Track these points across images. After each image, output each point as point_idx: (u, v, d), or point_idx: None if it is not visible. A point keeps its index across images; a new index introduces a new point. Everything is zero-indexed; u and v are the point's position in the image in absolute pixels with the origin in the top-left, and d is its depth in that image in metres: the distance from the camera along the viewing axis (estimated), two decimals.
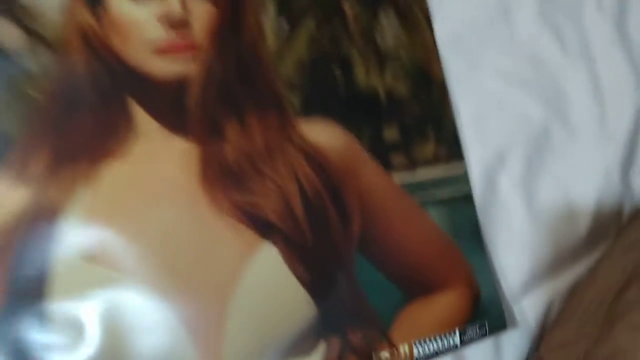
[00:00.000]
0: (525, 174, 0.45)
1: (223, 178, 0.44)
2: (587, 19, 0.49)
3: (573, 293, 0.42)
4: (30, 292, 0.41)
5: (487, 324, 0.40)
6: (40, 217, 0.42)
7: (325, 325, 0.41)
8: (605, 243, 0.44)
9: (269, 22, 0.47)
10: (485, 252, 0.43)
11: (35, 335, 0.41)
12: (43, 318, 0.41)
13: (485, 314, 0.41)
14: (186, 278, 0.42)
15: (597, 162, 0.46)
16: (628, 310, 0.36)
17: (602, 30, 0.49)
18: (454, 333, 0.40)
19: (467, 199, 0.44)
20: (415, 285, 0.42)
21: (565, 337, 0.40)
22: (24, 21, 0.46)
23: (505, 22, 0.48)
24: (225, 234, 0.42)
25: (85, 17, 0.45)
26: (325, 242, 0.43)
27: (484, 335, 0.40)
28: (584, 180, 0.45)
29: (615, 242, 0.42)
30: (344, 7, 0.48)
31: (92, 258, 0.41)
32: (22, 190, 0.42)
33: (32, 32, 0.46)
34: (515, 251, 0.44)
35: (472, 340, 0.40)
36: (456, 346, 0.39)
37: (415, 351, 0.40)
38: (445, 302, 0.42)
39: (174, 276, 0.42)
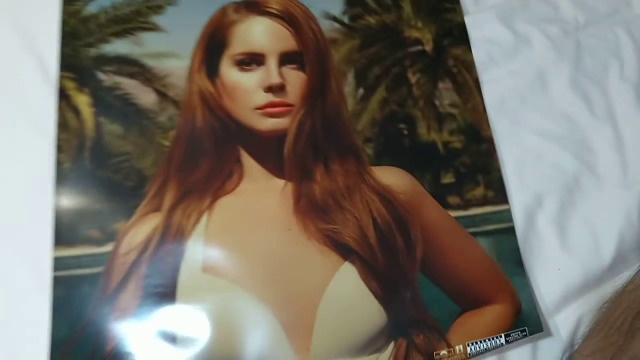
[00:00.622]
0: (559, 213, 0.55)
1: (312, 210, 0.54)
2: (612, 87, 0.59)
3: (601, 312, 0.51)
4: (160, 295, 0.52)
5: (527, 330, 0.49)
6: (170, 238, 0.54)
7: (394, 329, 0.51)
8: (626, 271, 0.52)
9: (349, 88, 0.59)
10: (525, 275, 0.52)
11: (163, 329, 0.52)
12: (170, 316, 0.52)
13: (525, 324, 0.50)
14: (283, 287, 0.52)
15: (619, 205, 0.54)
16: None
17: (625, 96, 0.59)
18: (500, 337, 0.49)
19: (510, 231, 0.54)
20: (467, 300, 0.52)
21: (595, 346, 0.48)
22: (157, 85, 0.59)
23: (542, 89, 0.59)
24: (313, 254, 0.53)
25: (204, 83, 0.57)
26: (393, 264, 0.53)
27: (524, 336, 0.49)
28: (608, 219, 0.54)
29: (637, 272, 0.51)
30: (409, 77, 0.59)
31: (210, 270, 0.53)
32: (157, 216, 0.54)
33: (162, 94, 0.59)
34: (550, 275, 0.53)
35: (515, 340, 0.49)
36: (502, 344, 0.48)
37: (468, 349, 0.49)
38: (493, 314, 0.51)
39: (274, 285, 0.52)
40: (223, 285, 0.52)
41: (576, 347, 0.51)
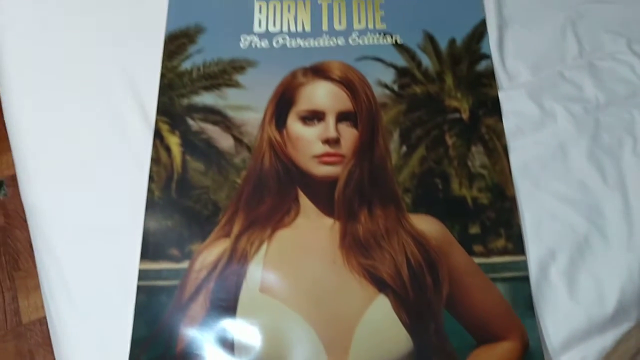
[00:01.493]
0: (569, 267, 0.62)
1: (355, 247, 0.64)
2: (625, 160, 0.67)
3: (602, 356, 0.59)
4: (224, 309, 0.62)
5: None
6: (235, 261, 0.64)
7: (419, 354, 0.60)
8: (627, 323, 0.60)
9: (394, 145, 0.69)
10: (535, 318, 0.60)
11: (224, 337, 0.62)
12: (230, 327, 0.62)
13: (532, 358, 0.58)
14: (326, 311, 0.61)
15: (622, 264, 0.62)
16: None
17: (636, 169, 0.66)
18: None
19: (525, 280, 0.62)
20: (483, 335, 0.60)
21: None
22: (234, 132, 0.70)
23: (562, 158, 0.67)
24: (354, 285, 0.62)
25: (273, 133, 0.68)
26: (422, 299, 0.62)
27: None
28: (612, 275, 0.61)
29: (633, 327, 0.58)
30: (446, 140, 0.69)
31: (266, 290, 0.63)
32: (226, 242, 0.65)
33: (238, 140, 0.70)
34: (558, 320, 0.60)
35: None
36: None
37: None
38: (504, 349, 0.59)
39: (318, 309, 0.62)
40: (276, 304, 0.62)
41: None
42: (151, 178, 0.68)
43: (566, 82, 0.71)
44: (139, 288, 0.64)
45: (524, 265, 0.63)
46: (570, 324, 0.61)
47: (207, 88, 0.72)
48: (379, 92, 0.71)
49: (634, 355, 0.54)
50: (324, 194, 0.66)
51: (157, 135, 0.70)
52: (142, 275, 0.65)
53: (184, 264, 0.65)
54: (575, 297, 0.62)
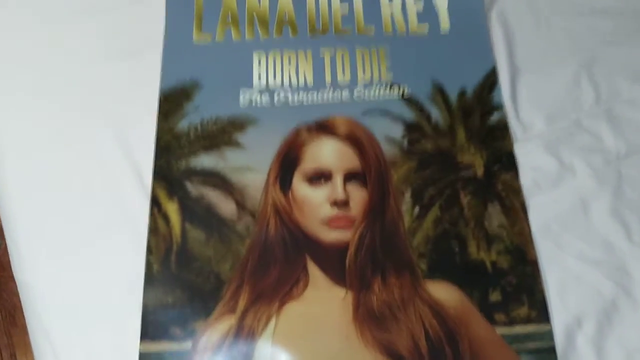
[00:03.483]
0: (597, 334, 0.59)
1: (369, 319, 0.61)
2: None
3: None
4: None
5: None
6: (242, 338, 0.60)
7: None
8: None
9: (406, 206, 0.65)
10: None
11: None
12: None
13: None
14: None
15: None
16: None
17: None
18: None
19: (551, 350, 0.58)
20: None
21: None
22: (236, 196, 0.67)
23: (584, 215, 0.64)
24: (369, 359, 0.59)
25: (278, 196, 0.65)
26: None
27: None
28: None
29: None
30: (461, 199, 0.66)
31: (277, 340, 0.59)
32: (232, 318, 0.61)
33: (241, 204, 0.66)
34: None
35: None
36: None
37: None
38: None
39: None
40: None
41: None
42: (149, 250, 0.64)
43: (584, 132, 0.68)
44: None
45: (549, 335, 0.59)
46: None
47: (206, 149, 0.68)
48: (387, 149, 0.67)
49: None
50: (334, 262, 0.63)
51: (155, 202, 0.66)
52: (144, 358, 0.61)
53: (187, 344, 0.61)
54: None
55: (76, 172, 0.68)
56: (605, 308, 0.60)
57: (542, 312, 0.60)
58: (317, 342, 0.60)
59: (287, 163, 0.65)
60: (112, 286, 0.63)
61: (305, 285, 0.63)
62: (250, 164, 0.67)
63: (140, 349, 0.61)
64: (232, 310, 0.62)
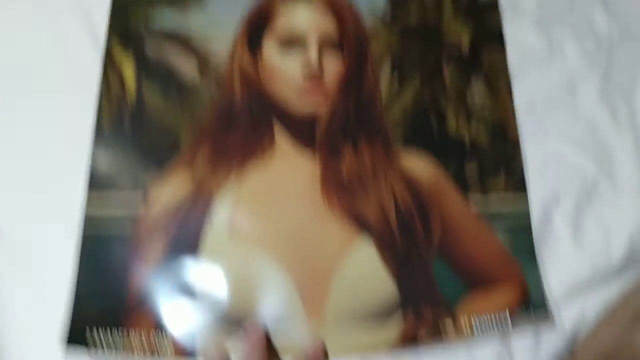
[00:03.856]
0: (574, 212, 0.56)
1: (338, 188, 0.57)
2: (638, 100, 0.61)
3: (608, 309, 0.52)
4: (184, 251, 0.56)
5: (532, 314, 0.51)
6: (199, 197, 0.57)
7: (404, 301, 0.53)
8: (634, 275, 0.54)
9: (384, 77, 0.62)
10: (537, 266, 0.54)
11: (185, 283, 0.55)
12: (192, 271, 0.55)
13: (531, 309, 0.52)
14: (302, 254, 0.55)
15: (633, 211, 0.56)
16: None
17: None
18: (505, 312, 0.51)
19: (527, 225, 0.56)
20: (477, 283, 0.54)
21: (598, 341, 0.50)
22: (199, 56, 0.62)
23: (571, 95, 0.61)
24: (334, 227, 0.56)
25: (246, 61, 0.61)
26: (410, 246, 0.55)
27: (530, 319, 0.51)
28: (621, 223, 0.55)
29: None
30: (444, 73, 0.62)
31: (234, 231, 0.56)
32: (188, 175, 0.58)
33: (204, 65, 0.62)
34: (560, 270, 0.54)
35: (520, 322, 0.50)
36: (507, 325, 0.50)
37: (472, 322, 0.51)
38: (500, 296, 0.53)
39: (294, 252, 0.55)
40: (246, 246, 0.55)
41: (580, 343, 0.52)
42: (100, 110, 0.60)
43: (577, 14, 0.64)
44: (86, 219, 0.57)
45: (525, 210, 0.56)
46: (572, 273, 0.55)
47: (168, 3, 0.64)
48: (368, 20, 0.63)
49: None
50: (304, 129, 0.60)
51: (108, 58, 0.62)
52: (90, 205, 0.57)
53: (138, 198, 0.57)
54: (579, 244, 0.56)
55: (24, 26, 0.63)
56: (586, 187, 0.58)
57: (519, 188, 0.57)
58: (281, 207, 0.57)
59: (257, 25, 0.61)
60: (59, 142, 0.59)
61: (272, 150, 0.59)
62: (216, 24, 0.63)
63: (86, 197, 0.57)
64: (189, 166, 0.58)
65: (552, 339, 0.53)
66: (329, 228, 0.56)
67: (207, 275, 0.55)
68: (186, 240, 0.56)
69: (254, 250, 0.55)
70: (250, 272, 0.55)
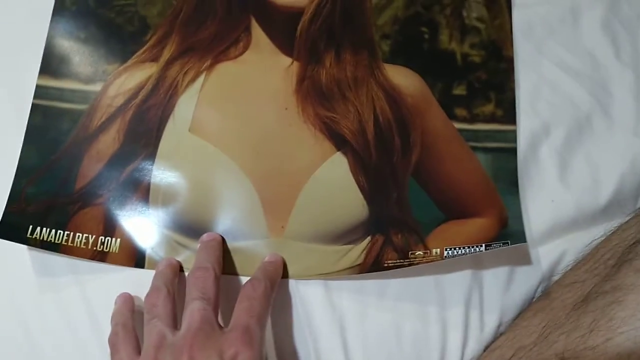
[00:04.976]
0: (563, 146, 0.52)
1: (314, 94, 0.52)
2: None
3: (588, 248, 0.49)
4: (141, 146, 0.50)
5: (509, 243, 0.47)
6: (163, 91, 0.51)
7: (373, 224, 0.49)
8: (620, 217, 0.51)
9: None
10: (517, 196, 0.50)
11: (138, 179, 0.49)
12: (147, 168, 0.49)
13: (508, 237, 0.48)
14: (269, 163, 0.50)
15: (626, 150, 0.52)
16: (635, 256, 0.43)
17: None
18: (480, 246, 0.47)
19: (511, 152, 0.51)
20: (454, 209, 0.50)
21: (576, 277, 0.47)
22: None
23: (573, 22, 0.56)
24: (306, 138, 0.51)
25: None
26: (386, 163, 0.50)
27: (506, 244, 0.47)
28: (612, 161, 0.51)
29: (632, 217, 0.49)
30: None
31: (197, 131, 0.50)
32: (153, 67, 0.52)
33: None
34: (541, 205, 0.50)
35: (495, 248, 0.47)
36: (481, 251, 0.46)
37: (445, 253, 0.47)
38: (477, 225, 0.49)
39: (260, 159, 0.50)
40: (208, 148, 0.50)
41: (556, 277, 0.49)
42: None
43: None
44: (34, 107, 0.50)
45: (512, 137, 0.52)
46: (556, 211, 0.51)
47: None
48: None
49: (631, 246, 0.44)
50: (283, 27, 0.54)
51: None
52: (40, 92, 0.51)
53: (96, 87, 0.51)
54: (565, 180, 0.52)
55: None
56: (579, 121, 0.53)
57: (508, 113, 0.53)
58: (250, 107, 0.52)
59: None
60: (14, 15, 0.52)
61: (246, 47, 0.53)
62: None
63: (37, 83, 0.51)
64: (155, 58, 0.52)
65: (527, 277, 0.49)
66: (299, 137, 0.51)
67: (163, 175, 0.49)
68: (145, 134, 0.50)
69: (217, 153, 0.50)
70: (210, 178, 0.49)
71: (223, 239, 0.48)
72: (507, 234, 0.48)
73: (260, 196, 0.49)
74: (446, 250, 0.47)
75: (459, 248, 0.47)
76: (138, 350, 0.42)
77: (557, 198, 0.51)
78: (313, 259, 0.48)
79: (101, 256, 0.48)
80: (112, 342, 0.43)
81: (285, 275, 0.48)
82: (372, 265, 0.48)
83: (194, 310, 0.42)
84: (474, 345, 0.49)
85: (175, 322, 0.43)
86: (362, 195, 0.49)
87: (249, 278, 0.45)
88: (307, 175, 0.50)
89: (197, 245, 0.48)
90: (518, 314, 0.49)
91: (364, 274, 0.48)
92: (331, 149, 0.51)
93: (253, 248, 0.48)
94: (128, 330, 0.44)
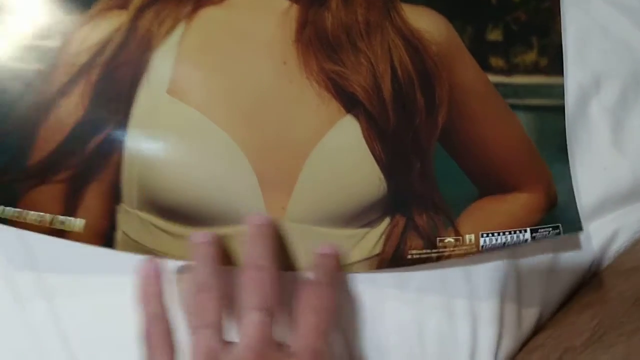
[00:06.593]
0: (618, 103, 0.44)
1: (318, 44, 0.43)
2: None
3: None
4: (111, 111, 0.41)
5: (561, 228, 0.40)
6: (134, 44, 0.42)
7: (393, 203, 0.41)
8: None
9: None
10: (567, 164, 0.42)
11: (108, 152, 0.41)
12: (119, 139, 0.41)
13: (557, 221, 0.40)
14: (265, 130, 0.41)
15: None
16: None
17: None
18: (525, 231, 0.39)
19: (559, 110, 0.43)
20: (490, 182, 0.42)
21: (635, 262, 0.39)
22: None
23: None
24: (310, 98, 0.42)
25: None
26: (407, 127, 0.42)
27: (557, 235, 0.39)
28: None
29: None
30: None
31: (177, 92, 0.41)
32: (122, 15, 0.43)
33: None
34: (593, 174, 0.42)
35: (543, 237, 0.39)
36: (526, 240, 0.39)
37: (481, 241, 0.39)
38: (519, 203, 0.41)
39: (254, 126, 0.41)
40: (190, 114, 0.41)
41: (608, 261, 0.42)
42: None
43: None
44: None
45: (558, 92, 0.43)
46: (608, 180, 0.43)
47: None
48: None
49: None
50: None
51: None
52: None
53: (54, 42, 0.42)
54: (620, 145, 0.44)
55: None
56: (636, 73, 0.45)
57: (554, 62, 0.44)
58: (241, 63, 0.43)
59: None
60: None
61: None
62: None
63: None
64: (124, 5, 0.43)
65: (574, 262, 0.42)
66: (301, 98, 0.42)
67: (139, 147, 0.41)
68: (115, 97, 0.41)
69: (202, 120, 0.41)
70: (194, 150, 0.41)
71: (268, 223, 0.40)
72: (557, 215, 0.40)
73: (256, 171, 0.41)
74: (482, 237, 0.39)
75: (498, 235, 0.39)
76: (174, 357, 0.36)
77: (609, 165, 0.43)
78: (319, 244, 0.40)
79: (60, 234, 0.40)
80: (148, 343, 0.37)
81: (287, 266, 0.40)
82: (394, 257, 0.40)
83: (253, 324, 0.35)
84: (510, 342, 0.41)
85: (224, 331, 0.36)
86: (378, 167, 0.41)
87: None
88: (311, 144, 0.41)
89: (178, 229, 0.40)
90: (562, 307, 0.42)
91: (380, 270, 0.40)
92: (340, 111, 0.42)
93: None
94: (164, 328, 0.37)
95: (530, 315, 0.42)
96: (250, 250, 0.38)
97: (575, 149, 0.43)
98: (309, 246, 0.40)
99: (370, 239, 0.40)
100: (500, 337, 0.41)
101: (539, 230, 0.39)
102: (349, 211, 0.41)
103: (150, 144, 0.41)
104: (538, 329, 0.42)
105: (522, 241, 0.38)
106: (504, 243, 0.38)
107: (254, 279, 0.37)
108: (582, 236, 0.42)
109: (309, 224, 0.41)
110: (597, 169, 0.43)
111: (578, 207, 0.41)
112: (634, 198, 0.43)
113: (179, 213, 0.40)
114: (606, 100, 0.44)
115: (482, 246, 0.39)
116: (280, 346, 0.35)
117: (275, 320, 0.36)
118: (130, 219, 0.40)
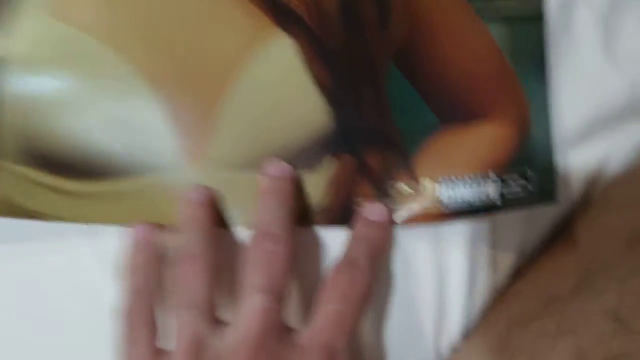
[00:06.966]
0: (609, 8, 0.37)
1: None
2: None
3: None
4: None
5: (534, 178, 0.33)
6: None
7: (339, 140, 0.34)
8: None
9: None
10: (545, 82, 0.35)
11: None
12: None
13: (531, 158, 0.34)
14: (177, 57, 0.33)
15: None
16: None
17: None
18: (488, 177, 0.33)
19: (537, 19, 0.35)
20: (453, 108, 0.35)
21: (629, 197, 0.33)
22: None
23: None
24: (233, 13, 0.34)
25: None
26: (356, 45, 0.34)
27: (525, 180, 0.33)
28: None
29: None
30: None
31: (60, 13, 0.33)
32: None
33: None
34: (579, 91, 0.36)
35: (512, 202, 0.32)
36: (494, 204, 0.32)
37: (439, 188, 0.33)
38: (486, 134, 0.34)
39: (163, 52, 0.34)
40: (81, 40, 0.33)
41: (596, 195, 0.36)
42: None
43: None
44: None
45: None
46: (599, 98, 0.36)
47: None
48: None
49: None
50: None
51: None
52: None
53: None
54: (613, 54, 0.36)
55: None
56: None
57: None
58: None
59: None
60: None
61: None
62: None
63: None
64: None
65: (559, 192, 0.36)
66: (221, 13, 0.34)
67: (15, 84, 0.33)
68: None
69: (95, 46, 0.33)
70: (88, 85, 0.33)
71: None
72: (530, 149, 0.33)
73: (168, 107, 0.33)
74: (441, 183, 0.32)
75: (460, 182, 0.32)
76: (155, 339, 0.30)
77: (601, 78, 0.36)
78: (252, 195, 0.33)
79: None
80: (125, 322, 0.30)
81: (218, 223, 0.33)
82: (343, 211, 0.33)
83: (254, 310, 0.28)
84: (483, 289, 0.35)
85: (215, 311, 0.29)
86: (320, 95, 0.34)
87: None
88: (235, 71, 0.34)
89: (71, 185, 0.33)
90: (544, 249, 0.36)
91: (322, 226, 0.33)
92: (272, 29, 0.34)
93: (162, 183, 0.33)
94: (147, 305, 0.31)
95: (506, 258, 0.36)
96: (261, 213, 0.31)
97: (558, 64, 0.36)
98: (237, 198, 0.33)
99: (313, 185, 0.33)
100: (472, 283, 0.35)
101: (508, 183, 0.32)
102: (284, 151, 0.34)
103: (29, 77, 0.33)
104: (516, 273, 0.36)
105: (489, 204, 0.32)
106: (469, 203, 0.32)
107: (261, 252, 0.30)
108: (565, 167, 0.36)
109: (234, 170, 0.33)
110: (583, 87, 0.36)
111: (557, 131, 0.35)
112: (628, 116, 0.37)
113: (72, 165, 0.33)
114: (595, 6, 0.37)
115: (442, 202, 0.32)
116: (288, 333, 0.29)
117: (285, 304, 0.29)
118: (6, 175, 0.32)
